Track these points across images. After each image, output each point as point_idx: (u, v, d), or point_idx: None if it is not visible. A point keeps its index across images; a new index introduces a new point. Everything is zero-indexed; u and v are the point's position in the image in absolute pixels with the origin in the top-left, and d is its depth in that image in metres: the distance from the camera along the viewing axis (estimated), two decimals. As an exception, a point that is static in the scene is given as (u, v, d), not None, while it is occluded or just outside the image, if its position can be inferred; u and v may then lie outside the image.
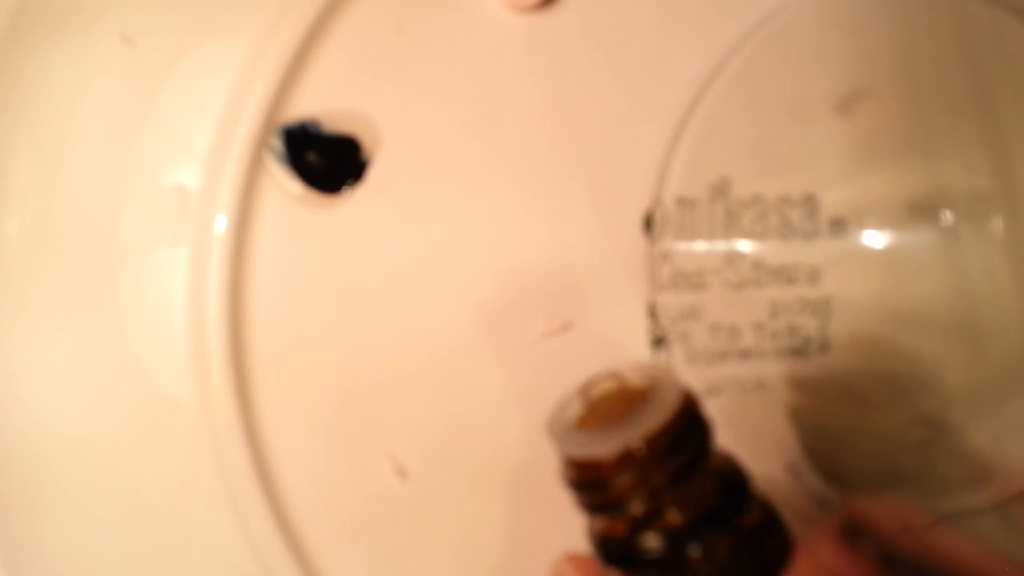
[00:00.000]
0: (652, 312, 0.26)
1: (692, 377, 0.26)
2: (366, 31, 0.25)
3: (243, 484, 0.24)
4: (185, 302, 0.25)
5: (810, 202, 0.23)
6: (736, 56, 0.26)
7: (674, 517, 0.17)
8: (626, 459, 0.17)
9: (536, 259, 0.26)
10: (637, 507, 0.17)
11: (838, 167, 0.24)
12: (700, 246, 0.25)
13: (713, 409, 0.26)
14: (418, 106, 0.26)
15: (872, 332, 0.23)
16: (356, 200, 0.25)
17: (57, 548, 0.25)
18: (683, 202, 0.26)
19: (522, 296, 0.26)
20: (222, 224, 0.24)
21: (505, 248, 0.26)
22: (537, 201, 0.26)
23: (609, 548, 0.18)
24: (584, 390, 0.19)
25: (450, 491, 0.26)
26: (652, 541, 0.17)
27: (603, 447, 0.17)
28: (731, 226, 0.24)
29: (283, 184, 0.25)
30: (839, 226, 0.23)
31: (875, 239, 0.23)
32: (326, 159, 0.25)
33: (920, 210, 0.22)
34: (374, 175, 0.25)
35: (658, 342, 0.26)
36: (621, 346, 0.26)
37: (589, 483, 0.18)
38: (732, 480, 0.18)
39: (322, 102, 0.25)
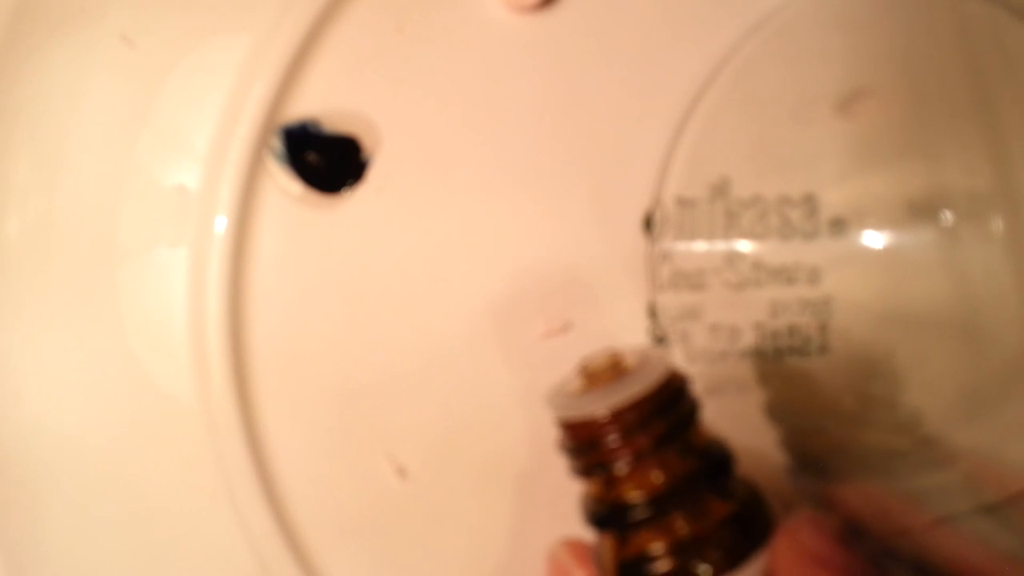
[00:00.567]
0: (652, 312, 0.26)
1: (692, 377, 0.26)
2: (366, 31, 0.25)
3: (243, 484, 0.24)
4: (185, 302, 0.25)
5: (810, 202, 0.23)
6: (736, 56, 0.26)
7: (657, 478, 0.18)
8: (613, 418, 0.19)
9: (536, 259, 0.26)
10: (621, 467, 0.19)
11: (838, 167, 0.24)
12: (700, 246, 0.25)
13: (713, 409, 0.26)
14: (418, 106, 0.26)
15: (872, 332, 0.23)
16: (356, 200, 0.25)
17: (57, 548, 0.25)
18: (683, 202, 0.26)
19: (522, 296, 0.26)
20: (222, 224, 0.24)
21: (505, 248, 0.26)
22: (537, 201, 0.26)
23: (594, 509, 0.20)
24: (582, 366, 0.20)
25: (451, 491, 0.26)
26: (633, 500, 0.19)
27: (591, 408, 0.19)
28: (731, 226, 0.25)
29: (283, 184, 0.25)
30: (839, 226, 0.23)
31: (875, 239, 0.23)
32: (326, 159, 0.25)
33: (920, 210, 0.22)
34: (374, 175, 0.25)
35: (658, 342, 0.26)
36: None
37: (580, 444, 0.19)
38: (716, 453, 0.20)
39: (322, 102, 0.25)
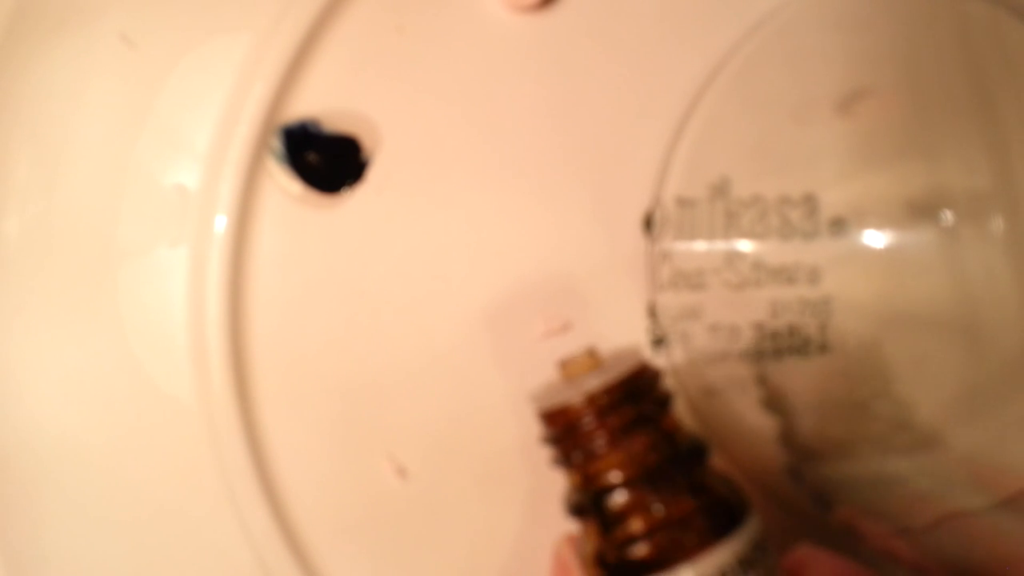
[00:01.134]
0: (652, 312, 0.26)
1: (692, 377, 0.26)
2: (366, 31, 0.25)
3: (243, 484, 0.24)
4: (185, 302, 0.25)
5: (810, 202, 0.23)
6: (736, 56, 0.26)
7: (631, 458, 0.20)
8: (587, 402, 0.20)
9: (536, 259, 0.26)
10: (597, 448, 0.20)
11: (838, 167, 0.24)
12: (700, 246, 0.25)
13: (713, 409, 0.26)
14: (418, 106, 0.26)
15: (872, 332, 0.23)
16: (356, 200, 0.25)
17: (57, 548, 0.25)
18: (683, 202, 0.26)
19: (522, 296, 0.26)
20: (222, 224, 0.24)
21: (505, 248, 0.26)
22: (537, 201, 0.26)
23: (574, 498, 0.20)
24: (563, 364, 0.22)
25: (450, 491, 0.26)
26: (610, 481, 0.19)
27: (567, 395, 0.20)
28: (731, 226, 0.25)
29: (283, 184, 0.25)
30: (839, 226, 0.23)
31: (875, 239, 0.23)
32: (326, 159, 0.25)
33: (920, 210, 0.22)
34: (374, 175, 0.25)
35: (658, 342, 0.26)
36: (621, 346, 0.26)
37: (558, 431, 0.20)
38: (689, 440, 0.21)
39: (322, 102, 0.25)
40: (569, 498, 0.21)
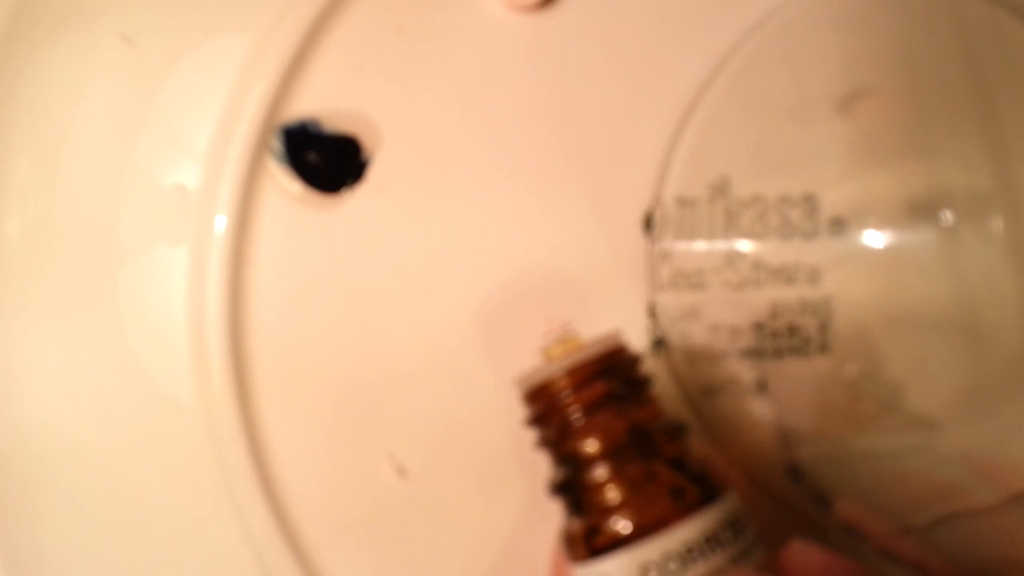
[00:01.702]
0: (652, 312, 0.26)
1: (692, 377, 0.26)
2: (366, 31, 0.25)
3: (243, 484, 0.24)
4: (185, 302, 0.25)
5: (810, 202, 0.23)
6: (736, 56, 0.26)
7: (608, 428, 0.20)
8: (565, 375, 0.20)
9: (536, 259, 0.26)
10: (576, 420, 0.20)
11: (838, 167, 0.24)
12: (700, 246, 0.25)
13: (713, 409, 0.26)
14: (418, 106, 0.26)
15: (872, 332, 0.23)
16: (356, 200, 0.25)
17: (57, 548, 0.25)
18: (683, 202, 0.26)
19: (522, 296, 0.26)
20: (222, 224, 0.24)
21: (505, 248, 0.26)
22: (537, 201, 0.26)
23: (556, 477, 0.21)
24: (545, 349, 0.22)
25: (450, 491, 0.26)
26: (588, 452, 0.20)
27: (546, 371, 0.21)
28: (731, 226, 0.25)
29: (283, 184, 0.25)
30: (839, 226, 0.23)
31: (875, 239, 0.23)
32: (326, 159, 0.25)
33: (920, 210, 0.22)
34: (374, 175, 0.25)
35: (658, 342, 0.26)
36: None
37: (539, 409, 0.21)
38: (667, 418, 0.21)
39: (322, 102, 0.25)
40: (551, 481, 0.21)
